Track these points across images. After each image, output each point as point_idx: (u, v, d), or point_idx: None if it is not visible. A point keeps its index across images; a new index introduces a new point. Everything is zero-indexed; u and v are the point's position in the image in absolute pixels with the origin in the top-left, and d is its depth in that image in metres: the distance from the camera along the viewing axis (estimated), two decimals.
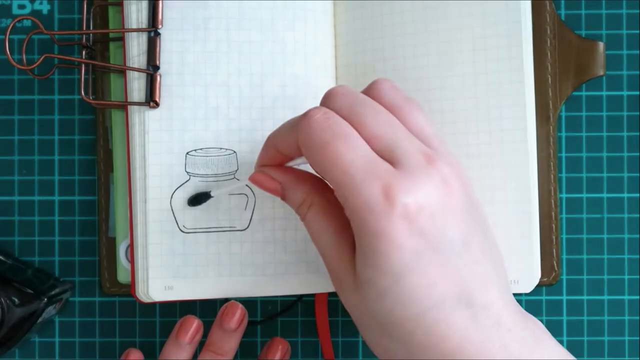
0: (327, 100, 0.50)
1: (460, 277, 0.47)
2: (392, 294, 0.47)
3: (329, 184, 0.52)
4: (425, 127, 0.50)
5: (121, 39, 0.60)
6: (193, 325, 0.59)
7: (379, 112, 0.49)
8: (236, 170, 0.59)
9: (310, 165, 0.50)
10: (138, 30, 0.58)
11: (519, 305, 0.50)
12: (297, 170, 0.53)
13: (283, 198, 0.53)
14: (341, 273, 0.50)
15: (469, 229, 0.48)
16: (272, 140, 0.53)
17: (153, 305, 0.63)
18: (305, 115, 0.49)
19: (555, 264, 0.62)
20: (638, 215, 0.63)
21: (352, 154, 0.47)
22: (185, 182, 0.59)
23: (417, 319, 0.47)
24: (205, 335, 0.60)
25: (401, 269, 0.46)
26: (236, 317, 0.58)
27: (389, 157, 0.48)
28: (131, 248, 0.59)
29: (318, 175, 0.52)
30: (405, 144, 0.48)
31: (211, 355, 0.58)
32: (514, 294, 0.51)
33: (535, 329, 0.49)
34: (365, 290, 0.48)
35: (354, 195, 0.47)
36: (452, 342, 0.47)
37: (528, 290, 0.59)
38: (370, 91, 0.51)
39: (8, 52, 0.57)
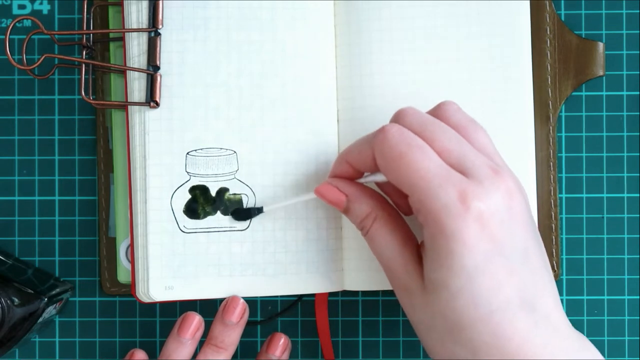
0: (399, 118, 0.54)
1: (523, 283, 0.50)
2: (464, 294, 0.50)
3: (389, 201, 0.56)
4: (488, 145, 0.54)
5: (121, 39, 0.60)
6: (194, 321, 0.59)
7: (447, 130, 0.53)
8: (236, 170, 0.59)
9: (386, 174, 0.52)
10: (138, 30, 0.58)
11: (568, 320, 0.53)
12: (362, 184, 0.56)
13: (346, 211, 0.56)
14: (407, 281, 0.53)
15: (529, 239, 0.51)
16: (345, 155, 0.56)
17: (153, 305, 0.63)
18: (381, 130, 0.52)
19: (555, 264, 0.62)
20: (638, 215, 0.63)
21: (427, 163, 0.51)
22: (186, 182, 0.59)
23: (485, 320, 0.50)
24: (205, 333, 0.60)
25: (473, 269, 0.49)
26: (237, 311, 0.59)
27: (459, 169, 0.51)
28: (131, 248, 0.59)
29: (380, 191, 0.56)
30: (473, 157, 0.52)
31: (213, 349, 0.59)
32: None
33: (586, 341, 0.52)
34: (436, 292, 0.51)
35: (431, 199, 0.50)
36: (515, 344, 0.50)
37: None
38: (437, 111, 0.55)
39: (8, 52, 0.57)
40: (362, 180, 0.56)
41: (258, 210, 0.59)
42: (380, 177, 0.55)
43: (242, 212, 0.59)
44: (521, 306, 0.50)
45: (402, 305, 0.54)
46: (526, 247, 0.51)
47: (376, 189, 0.56)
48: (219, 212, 0.59)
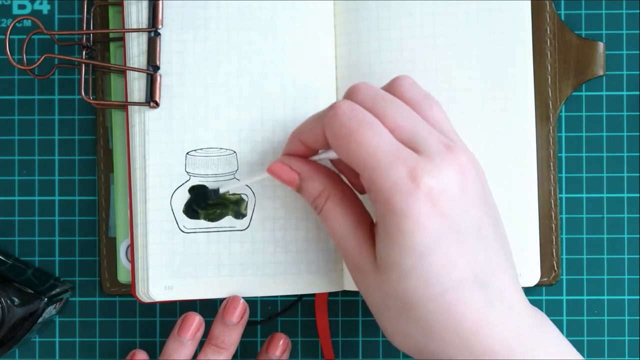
0: (351, 94, 0.53)
1: (476, 261, 0.50)
2: (415, 273, 0.49)
3: (343, 178, 0.55)
4: (443, 121, 0.53)
5: (121, 39, 0.60)
6: (194, 322, 0.59)
7: (399, 106, 0.52)
8: (236, 170, 0.59)
9: (336, 152, 0.52)
10: (138, 30, 0.58)
11: (525, 296, 0.52)
12: (315, 162, 0.55)
13: (299, 190, 0.55)
14: (361, 260, 0.52)
15: (484, 216, 0.51)
16: (297, 133, 0.55)
17: (153, 305, 0.63)
18: (332, 107, 0.51)
19: (555, 264, 0.62)
20: (638, 215, 0.63)
21: (378, 140, 0.50)
22: (185, 182, 0.59)
23: (438, 299, 0.49)
24: (206, 333, 0.60)
25: (425, 248, 0.49)
26: (238, 311, 0.59)
27: (411, 145, 0.50)
28: (131, 248, 0.59)
29: (334, 169, 0.55)
30: (426, 133, 0.51)
31: (213, 349, 0.59)
32: None
33: (542, 319, 0.51)
34: (388, 272, 0.50)
35: (382, 177, 0.49)
36: (469, 323, 0.49)
37: (531, 284, 0.59)
38: (391, 87, 0.54)
39: (8, 52, 0.57)
40: (315, 157, 0.55)
41: (215, 192, 0.58)
42: (332, 155, 0.54)
43: (199, 194, 0.58)
44: (474, 284, 0.49)
45: (356, 285, 0.53)
46: (480, 224, 0.50)
47: (331, 167, 0.56)
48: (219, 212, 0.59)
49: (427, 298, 0.49)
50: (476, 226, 0.50)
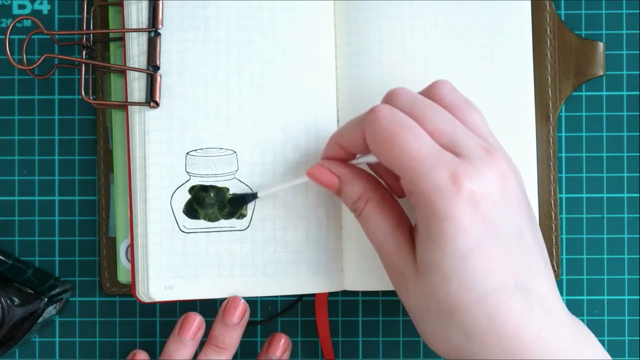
0: (390, 98, 0.53)
1: (517, 266, 0.50)
2: (457, 276, 0.49)
3: (382, 183, 0.55)
4: (482, 126, 0.53)
5: (121, 39, 0.60)
6: (195, 322, 0.59)
7: (439, 110, 0.52)
8: (236, 170, 0.59)
9: (377, 155, 0.52)
10: (138, 30, 0.58)
11: (564, 303, 0.52)
12: (354, 166, 0.55)
13: (338, 193, 0.55)
14: (401, 264, 0.52)
15: (523, 221, 0.51)
16: (336, 137, 0.55)
17: (153, 305, 0.63)
18: (372, 111, 0.52)
19: (555, 264, 0.62)
20: (638, 215, 0.63)
21: (419, 144, 0.50)
22: (185, 182, 0.59)
23: (480, 303, 0.49)
24: (206, 333, 0.60)
25: (467, 251, 0.49)
26: (238, 311, 0.59)
27: (452, 149, 0.50)
28: (131, 248, 0.59)
29: (372, 173, 0.55)
30: (466, 138, 0.51)
31: (214, 349, 0.59)
32: None
33: (582, 327, 0.52)
34: (429, 275, 0.50)
35: (423, 180, 0.49)
36: (511, 327, 0.49)
37: None
38: (430, 91, 0.54)
39: (8, 52, 0.57)
40: (354, 161, 0.55)
41: (252, 196, 0.59)
42: (372, 159, 0.54)
43: (237, 199, 0.59)
44: (515, 289, 0.49)
45: (395, 289, 0.53)
46: (520, 229, 0.50)
47: (369, 170, 0.56)
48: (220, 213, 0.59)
49: (469, 301, 0.49)
50: (517, 231, 0.50)
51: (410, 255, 0.52)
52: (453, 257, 0.49)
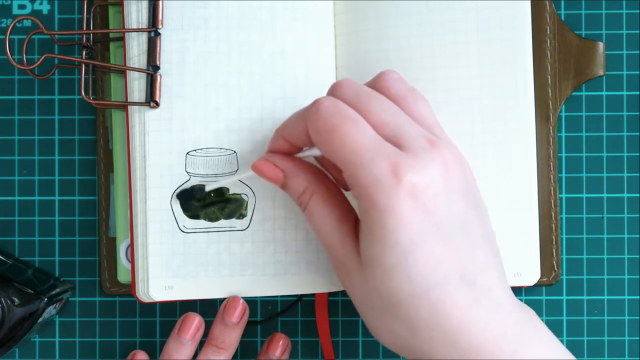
0: (333, 90, 0.52)
1: (462, 258, 0.49)
2: (399, 270, 0.48)
3: (328, 175, 0.54)
4: (428, 116, 0.52)
5: (121, 39, 0.60)
6: (194, 322, 0.59)
7: (383, 101, 0.51)
8: (236, 170, 0.59)
9: (319, 148, 0.51)
10: (138, 30, 0.58)
11: (513, 293, 0.51)
12: (299, 159, 0.55)
13: (283, 187, 0.54)
14: (345, 257, 0.52)
15: (469, 212, 0.50)
16: (281, 131, 0.54)
17: (153, 305, 0.63)
18: (314, 103, 0.51)
19: (555, 264, 0.62)
20: (638, 215, 0.63)
21: (360, 136, 0.49)
22: (186, 182, 0.59)
23: (422, 297, 0.49)
24: (206, 333, 0.60)
25: (408, 245, 0.48)
26: (237, 311, 0.59)
27: (394, 141, 0.50)
28: (131, 248, 0.59)
29: (318, 165, 0.55)
30: (409, 129, 0.50)
31: (213, 349, 0.59)
32: (517, 288, 0.51)
33: (532, 316, 0.51)
34: (372, 269, 0.50)
35: (364, 173, 0.49)
36: (456, 321, 0.49)
37: (531, 284, 0.59)
38: (377, 81, 0.53)
39: (8, 52, 0.57)
40: (299, 155, 0.55)
41: (200, 190, 0.58)
42: (317, 151, 0.53)
43: (185, 192, 0.58)
44: (460, 281, 0.49)
45: (341, 282, 0.53)
46: (465, 220, 0.50)
47: (316, 164, 0.56)
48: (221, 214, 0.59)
49: (412, 295, 0.49)
50: (461, 222, 0.50)
51: (355, 248, 0.51)
52: (394, 251, 0.48)
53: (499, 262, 0.51)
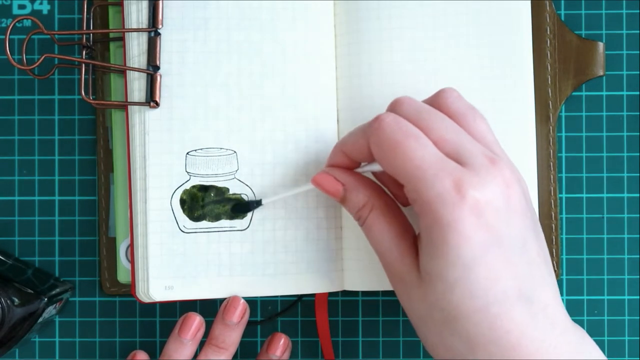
0: (394, 107, 0.53)
1: (520, 275, 0.50)
2: (460, 285, 0.49)
3: (386, 191, 0.55)
4: (487, 134, 0.53)
5: (121, 39, 0.60)
6: (195, 322, 0.59)
7: (443, 119, 0.52)
8: (236, 170, 0.59)
9: (381, 163, 0.52)
10: (138, 30, 0.58)
11: (567, 313, 0.52)
12: (359, 174, 0.55)
13: (342, 201, 0.55)
14: (404, 272, 0.52)
15: (527, 230, 0.51)
16: (340, 146, 0.55)
17: (153, 305, 0.63)
18: (376, 119, 0.52)
19: (555, 264, 0.62)
20: (638, 215, 0.63)
21: (423, 152, 0.50)
22: (186, 182, 0.59)
23: (482, 312, 0.49)
24: (206, 333, 0.60)
25: (470, 260, 0.49)
26: (238, 311, 0.59)
27: (455, 158, 0.50)
28: (131, 248, 0.59)
29: (378, 182, 0.55)
30: (470, 146, 0.51)
31: (213, 349, 0.59)
32: None
33: (584, 335, 0.52)
34: (432, 284, 0.50)
35: (427, 188, 0.49)
36: (513, 337, 0.49)
37: None
38: (435, 99, 0.54)
39: (8, 52, 0.57)
40: (358, 170, 0.55)
41: (257, 203, 0.59)
42: (376, 167, 0.54)
43: (241, 206, 0.59)
44: (519, 298, 0.49)
45: (398, 297, 0.53)
46: (524, 238, 0.50)
47: (373, 179, 0.56)
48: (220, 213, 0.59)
49: (472, 310, 0.49)
50: (520, 240, 0.50)
51: (414, 263, 0.52)
52: (456, 266, 0.49)
53: (553, 280, 0.52)
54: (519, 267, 0.50)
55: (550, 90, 0.62)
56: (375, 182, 0.55)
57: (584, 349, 0.51)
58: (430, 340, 0.52)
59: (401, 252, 0.52)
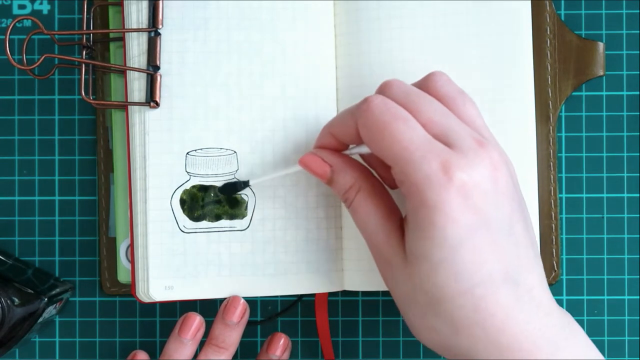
0: (383, 89, 0.53)
1: (507, 257, 0.50)
2: (446, 266, 0.49)
3: (374, 173, 0.55)
4: (476, 118, 0.53)
5: (121, 39, 0.60)
6: (195, 322, 0.59)
7: (432, 102, 0.52)
8: (236, 170, 0.59)
9: (369, 145, 0.52)
10: (138, 30, 0.58)
11: (552, 296, 0.52)
12: (346, 155, 0.55)
13: (329, 182, 0.55)
14: (389, 253, 0.52)
15: (515, 213, 0.51)
16: (328, 127, 0.55)
17: (153, 305, 0.63)
18: (364, 101, 0.52)
19: (555, 264, 0.62)
20: (638, 215, 0.63)
21: (411, 133, 0.50)
22: (185, 182, 0.59)
23: (467, 294, 0.49)
24: (206, 333, 0.60)
25: (456, 242, 0.49)
26: (238, 311, 0.59)
27: (443, 140, 0.50)
28: (131, 248, 0.59)
29: (364, 163, 0.55)
30: (459, 129, 0.51)
31: (214, 349, 0.59)
32: None
33: (569, 320, 0.52)
34: (418, 265, 0.50)
35: (414, 169, 0.49)
36: (498, 319, 0.49)
37: None
38: (425, 82, 0.54)
39: (8, 52, 0.57)
40: (346, 152, 0.55)
41: (244, 184, 0.59)
42: (364, 149, 0.54)
43: (229, 186, 0.58)
44: (504, 280, 0.49)
45: (384, 279, 0.53)
46: (511, 221, 0.50)
47: (361, 161, 0.56)
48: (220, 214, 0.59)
49: (457, 292, 0.49)
50: (507, 222, 0.50)
51: (400, 245, 0.52)
52: (442, 248, 0.49)
53: (539, 263, 0.52)
54: (506, 249, 0.50)
55: (550, 90, 0.62)
56: (363, 164, 0.55)
57: (569, 332, 0.51)
58: (414, 323, 0.52)
59: (387, 233, 0.52)
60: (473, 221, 0.49)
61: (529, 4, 0.60)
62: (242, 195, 0.59)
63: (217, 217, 0.59)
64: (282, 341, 0.61)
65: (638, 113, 0.63)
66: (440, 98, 0.53)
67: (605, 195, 0.63)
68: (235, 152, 0.59)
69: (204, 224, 0.59)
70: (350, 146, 0.55)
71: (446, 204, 0.48)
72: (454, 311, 0.49)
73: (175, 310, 0.64)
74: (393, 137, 0.50)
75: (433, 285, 0.49)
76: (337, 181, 0.54)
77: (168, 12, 0.59)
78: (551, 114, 0.62)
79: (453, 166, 0.49)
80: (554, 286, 0.63)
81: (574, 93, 0.63)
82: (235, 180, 0.59)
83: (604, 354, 0.63)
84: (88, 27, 0.60)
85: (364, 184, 0.54)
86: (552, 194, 0.62)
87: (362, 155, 0.56)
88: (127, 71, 0.59)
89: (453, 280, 0.49)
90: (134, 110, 0.59)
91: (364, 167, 0.55)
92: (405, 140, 0.50)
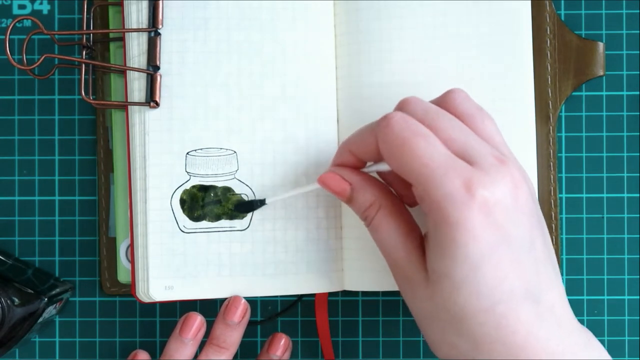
0: (402, 107, 0.53)
1: (528, 274, 0.50)
2: (468, 284, 0.49)
3: (392, 191, 0.55)
4: (495, 135, 0.53)
5: (121, 39, 0.60)
6: (196, 322, 0.59)
7: (451, 119, 0.52)
8: (236, 170, 0.59)
9: (389, 162, 0.51)
10: (138, 30, 0.58)
11: (573, 314, 0.52)
12: (365, 173, 0.55)
13: (349, 201, 0.55)
14: (410, 271, 0.52)
15: (535, 230, 0.51)
16: (347, 145, 0.55)
17: (153, 305, 0.63)
18: (384, 118, 0.51)
19: None
20: (638, 215, 0.63)
21: (432, 150, 0.50)
22: (185, 182, 0.59)
23: (489, 311, 0.49)
24: (207, 333, 0.60)
25: (478, 259, 0.48)
26: (239, 311, 0.59)
27: (464, 157, 0.50)
28: (131, 248, 0.59)
29: (383, 181, 0.55)
30: (479, 146, 0.51)
31: (214, 349, 0.59)
32: None
33: (590, 337, 0.52)
34: (439, 283, 0.50)
35: (436, 186, 0.49)
36: (520, 336, 0.49)
37: None
38: (443, 99, 0.54)
39: (8, 52, 0.57)
40: (365, 169, 0.55)
41: (261, 203, 0.59)
42: (383, 167, 0.54)
43: (244, 205, 0.59)
44: (525, 298, 0.49)
45: (403, 296, 0.53)
46: (532, 238, 0.50)
47: (379, 179, 0.56)
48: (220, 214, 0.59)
49: (478, 310, 0.49)
50: (528, 240, 0.50)
51: (420, 262, 0.52)
52: (464, 265, 0.49)
53: (559, 280, 0.52)
54: (527, 266, 0.50)
55: (550, 90, 0.62)
56: (382, 182, 0.55)
57: (590, 349, 0.51)
58: (435, 339, 0.52)
59: (408, 251, 0.52)
60: (494, 238, 0.49)
61: (529, 4, 0.60)
62: (243, 196, 0.59)
63: (217, 217, 0.59)
64: (282, 341, 0.61)
65: (638, 113, 0.64)
66: (459, 115, 0.53)
67: (605, 195, 0.63)
68: (235, 152, 0.59)
69: (204, 224, 0.59)
70: (368, 164, 0.55)
71: (468, 221, 0.48)
72: (475, 328, 0.49)
73: (175, 310, 0.64)
74: (413, 154, 0.50)
75: (455, 304, 0.49)
76: (357, 199, 0.54)
77: (168, 12, 0.59)
78: (551, 114, 0.62)
79: (475, 183, 0.49)
80: None
81: (574, 93, 0.63)
82: (252, 199, 0.59)
83: (609, 356, 0.63)
84: (88, 27, 0.60)
85: (384, 202, 0.53)
86: (552, 194, 0.62)
87: (379, 173, 0.56)
88: (127, 71, 0.59)
89: (475, 298, 0.49)
90: (134, 110, 0.59)
91: (384, 185, 0.55)
92: (426, 157, 0.49)
